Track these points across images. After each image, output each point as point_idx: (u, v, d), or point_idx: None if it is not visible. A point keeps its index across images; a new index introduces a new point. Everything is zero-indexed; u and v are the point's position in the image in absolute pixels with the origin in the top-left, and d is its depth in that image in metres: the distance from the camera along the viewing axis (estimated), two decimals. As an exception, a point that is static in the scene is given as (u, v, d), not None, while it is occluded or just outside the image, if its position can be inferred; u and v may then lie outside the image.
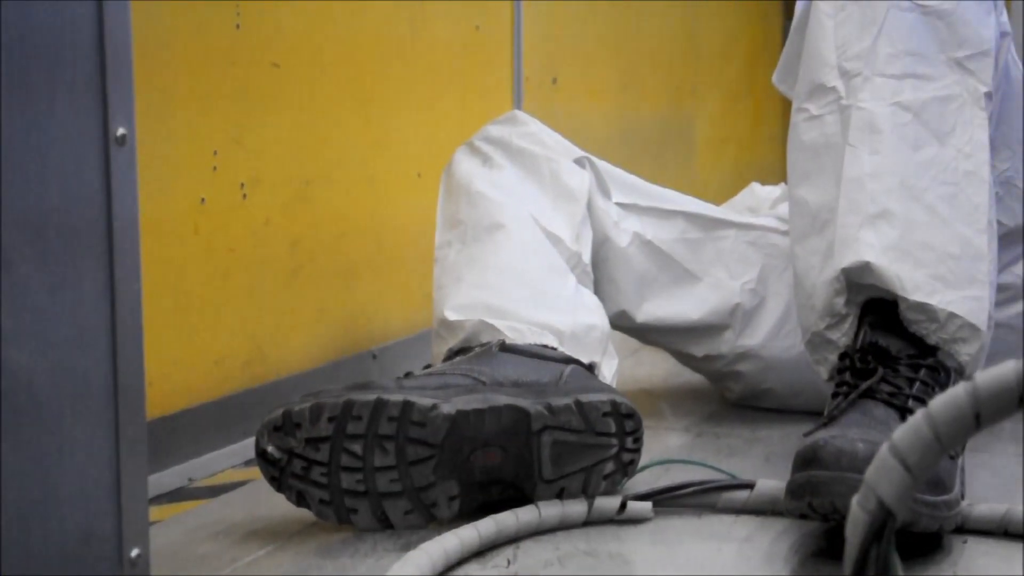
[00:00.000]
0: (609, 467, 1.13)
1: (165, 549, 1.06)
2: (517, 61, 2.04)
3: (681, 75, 2.82)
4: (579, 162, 1.43)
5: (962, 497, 1.06)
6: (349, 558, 1.04)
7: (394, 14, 1.70)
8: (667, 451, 1.33)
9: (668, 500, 1.14)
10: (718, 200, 1.64)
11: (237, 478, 1.30)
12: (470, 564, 1.03)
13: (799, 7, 1.31)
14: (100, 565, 0.78)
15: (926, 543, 1.04)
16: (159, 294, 1.29)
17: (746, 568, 1.03)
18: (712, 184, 2.87)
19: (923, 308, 1.12)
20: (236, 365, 1.41)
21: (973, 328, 1.13)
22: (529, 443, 1.11)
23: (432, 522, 1.11)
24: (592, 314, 1.30)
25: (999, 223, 1.28)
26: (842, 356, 1.14)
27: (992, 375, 0.59)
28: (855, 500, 0.63)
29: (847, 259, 1.15)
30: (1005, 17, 1.26)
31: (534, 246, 1.33)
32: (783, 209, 1.53)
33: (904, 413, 1.06)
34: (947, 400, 0.60)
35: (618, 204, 1.46)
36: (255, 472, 1.16)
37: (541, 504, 1.10)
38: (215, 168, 1.37)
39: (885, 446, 0.62)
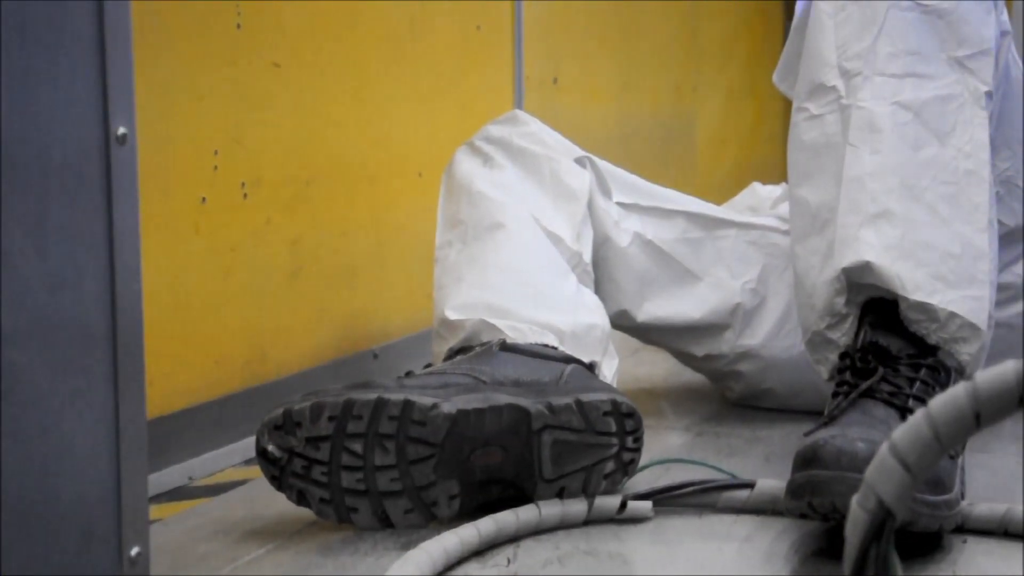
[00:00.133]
0: (609, 466, 1.13)
1: (165, 548, 1.06)
2: (518, 61, 2.04)
3: (682, 75, 2.82)
4: (580, 162, 1.44)
5: (962, 497, 1.06)
6: (349, 557, 1.05)
7: (394, 14, 1.70)
8: (667, 450, 1.33)
9: (668, 499, 1.14)
10: (719, 200, 1.64)
11: (237, 477, 1.30)
12: (470, 563, 1.03)
13: (799, 7, 1.31)
14: (100, 564, 0.78)
15: (926, 543, 1.04)
16: (159, 293, 1.29)
17: (746, 567, 1.03)
18: (713, 184, 2.87)
19: (923, 308, 1.12)
20: (236, 364, 1.41)
21: (973, 328, 1.13)
22: (529, 442, 1.11)
23: (432, 521, 1.11)
24: (593, 314, 1.30)
25: (999, 222, 1.28)
26: (842, 356, 1.14)
27: (992, 375, 0.59)
28: (855, 500, 0.63)
29: (847, 259, 1.15)
30: (1005, 16, 1.26)
31: (535, 246, 1.33)
32: (784, 209, 1.53)
33: (904, 413, 1.06)
34: (947, 400, 0.60)
35: (619, 204, 1.46)
36: (255, 471, 1.16)
37: (541, 503, 1.10)
38: (216, 168, 1.37)
39: (885, 446, 0.62)
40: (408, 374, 1.16)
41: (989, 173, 1.19)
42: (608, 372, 1.28)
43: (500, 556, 1.05)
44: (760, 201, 1.69)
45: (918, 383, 1.09)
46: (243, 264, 1.41)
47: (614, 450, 1.13)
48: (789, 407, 1.48)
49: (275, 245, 1.47)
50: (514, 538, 1.08)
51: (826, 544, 1.06)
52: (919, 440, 0.61)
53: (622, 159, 1.57)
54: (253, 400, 1.40)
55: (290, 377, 1.48)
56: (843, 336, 1.16)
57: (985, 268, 1.15)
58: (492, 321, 1.23)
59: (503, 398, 1.11)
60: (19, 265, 0.72)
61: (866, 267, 1.14)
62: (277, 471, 1.08)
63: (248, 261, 1.42)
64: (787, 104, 1.32)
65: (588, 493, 1.12)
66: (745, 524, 1.12)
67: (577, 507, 1.11)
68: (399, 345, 1.70)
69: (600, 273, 1.44)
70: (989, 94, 1.20)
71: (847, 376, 1.12)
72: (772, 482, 1.13)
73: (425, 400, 1.08)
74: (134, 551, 0.80)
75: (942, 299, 1.12)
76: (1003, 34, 1.25)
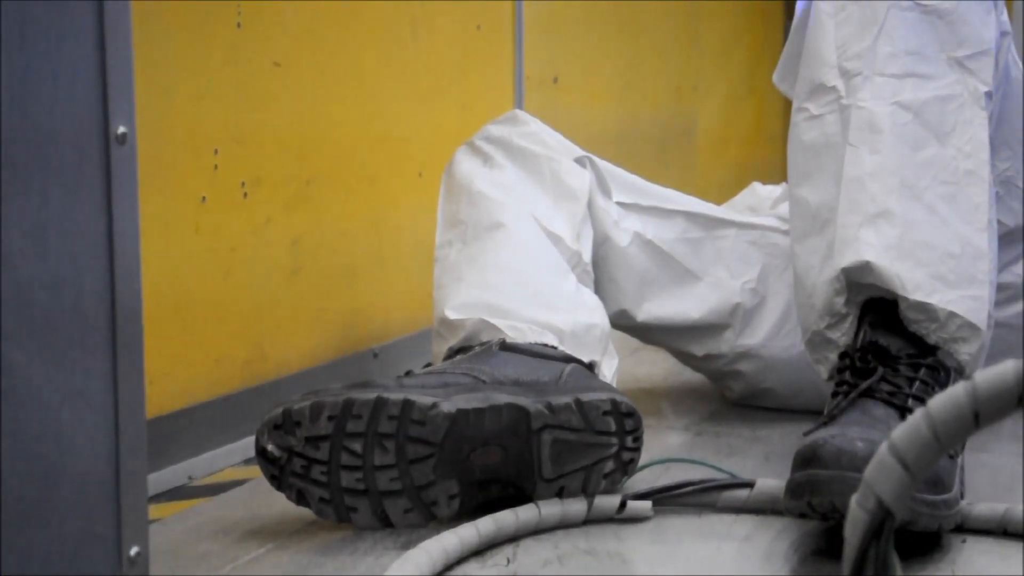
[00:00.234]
0: (609, 466, 1.13)
1: (165, 547, 1.06)
2: (518, 60, 2.04)
3: (682, 74, 2.82)
4: (580, 161, 1.44)
5: (961, 496, 1.06)
6: (349, 556, 1.05)
7: (394, 14, 1.70)
8: (667, 450, 1.33)
9: (668, 499, 1.14)
10: (719, 200, 1.64)
11: (237, 476, 1.30)
12: (470, 563, 1.03)
13: (799, 7, 1.31)
14: (99, 563, 0.78)
15: (925, 542, 1.04)
16: (159, 293, 1.29)
17: (746, 567, 1.03)
18: (713, 183, 2.87)
19: (923, 307, 1.12)
20: (236, 364, 1.41)
21: (973, 327, 1.13)
22: (529, 442, 1.11)
23: (432, 521, 1.11)
24: (592, 313, 1.30)
25: (999, 222, 1.28)
26: (842, 355, 1.15)
27: (991, 374, 0.59)
28: (854, 499, 0.63)
29: (847, 258, 1.15)
30: (1005, 16, 1.26)
31: (535, 245, 1.33)
32: (784, 209, 1.53)
33: (904, 412, 1.06)
34: (946, 399, 0.60)
35: (619, 203, 1.46)
36: (255, 471, 1.16)
37: (541, 503, 1.10)
38: (216, 167, 1.37)
39: (884, 445, 0.62)
40: (408, 373, 1.16)
41: (989, 173, 1.19)
42: (608, 372, 1.28)
43: (500, 556, 1.05)
44: (760, 201, 1.69)
45: (917, 383, 1.09)
46: (243, 263, 1.41)
47: (614, 449, 1.13)
48: (789, 407, 1.48)
49: (275, 244, 1.47)
50: (513, 538, 1.08)
51: (825, 543, 1.06)
52: (918, 440, 0.61)
53: (622, 159, 1.57)
54: (253, 399, 1.40)
55: (290, 376, 1.48)
56: (843, 336, 1.16)
57: (985, 268, 1.16)
58: (492, 321, 1.23)
59: (503, 397, 1.11)
60: (19, 265, 0.72)
61: (866, 267, 1.14)
62: (277, 471, 1.08)
63: (248, 260, 1.42)
64: (787, 104, 1.32)
65: (588, 492, 1.13)
66: (745, 523, 1.12)
67: (577, 507, 1.11)
68: (399, 344, 1.70)
69: (600, 273, 1.44)
70: (989, 94, 1.21)
71: (847, 376, 1.12)
72: (772, 481, 1.13)
73: (425, 399, 1.08)
74: (133, 551, 0.80)
75: (942, 299, 1.12)
76: (1003, 34, 1.25)
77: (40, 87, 0.73)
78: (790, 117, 1.28)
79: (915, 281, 1.13)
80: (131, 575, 0.80)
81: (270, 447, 1.07)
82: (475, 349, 1.20)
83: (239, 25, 1.40)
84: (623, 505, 1.12)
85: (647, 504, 1.13)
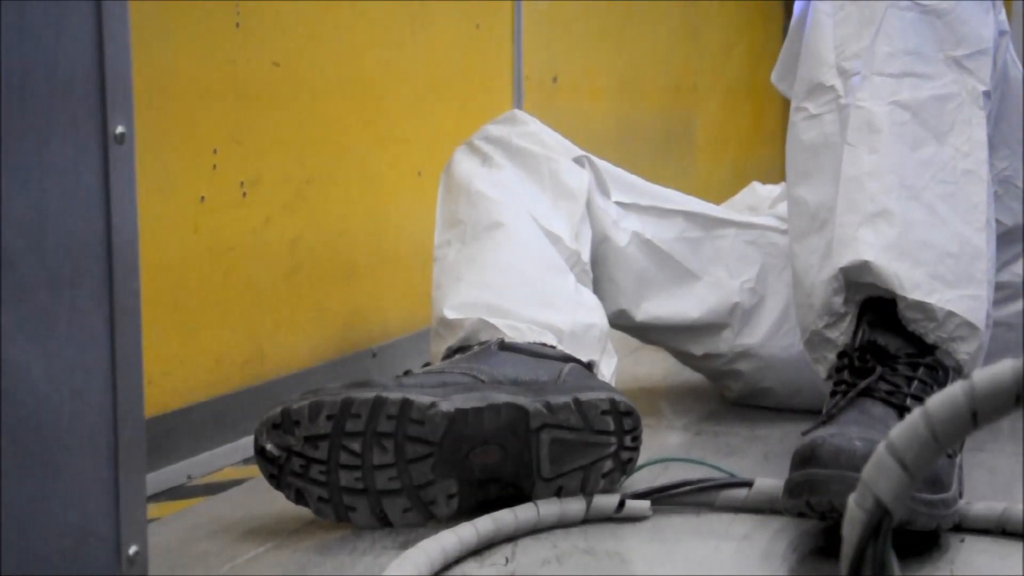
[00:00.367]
0: (607, 465, 1.13)
1: (163, 547, 1.06)
2: (517, 60, 2.04)
3: (682, 74, 2.82)
4: (579, 161, 1.44)
5: (960, 496, 1.06)
6: (347, 556, 1.05)
7: (394, 13, 1.70)
8: (666, 449, 1.33)
9: (666, 498, 1.14)
10: (718, 199, 1.65)
11: (236, 476, 1.31)
12: (468, 562, 1.03)
13: (798, 6, 1.31)
14: (98, 563, 0.78)
15: (923, 542, 1.04)
16: (158, 292, 1.29)
17: (744, 566, 1.03)
18: (712, 183, 2.87)
19: (922, 307, 1.12)
20: (235, 363, 1.41)
21: (971, 327, 1.13)
22: (528, 441, 1.11)
23: (431, 520, 1.11)
24: (591, 313, 1.30)
25: (998, 222, 1.28)
26: (841, 355, 1.15)
27: (989, 374, 0.59)
28: (852, 498, 0.63)
29: (846, 258, 1.15)
30: (1003, 16, 1.26)
31: (533, 245, 1.33)
32: (783, 208, 1.53)
33: (902, 412, 1.06)
34: (944, 399, 0.60)
35: (617, 203, 1.46)
36: (254, 470, 1.16)
37: (539, 502, 1.10)
38: (215, 167, 1.37)
39: (882, 445, 0.62)
40: (407, 373, 1.16)
41: (987, 172, 1.19)
42: (607, 371, 1.28)
43: (498, 555, 1.05)
44: (759, 200, 1.69)
45: (916, 382, 1.09)
46: (242, 263, 1.41)
47: (612, 449, 1.13)
48: (788, 406, 1.48)
49: (274, 244, 1.47)
50: (512, 537, 1.08)
51: (824, 543, 1.06)
52: (916, 439, 0.61)
53: (621, 159, 1.57)
54: (252, 399, 1.40)
55: (289, 376, 1.48)
56: (841, 335, 1.16)
57: (983, 267, 1.16)
58: (491, 320, 1.23)
59: (501, 397, 1.11)
60: (18, 264, 0.72)
61: (864, 266, 1.14)
62: (275, 470, 1.08)
63: (247, 260, 1.42)
64: (787, 104, 1.32)
65: (586, 492, 1.13)
66: (743, 523, 1.12)
67: (575, 506, 1.11)
68: (398, 344, 1.70)
69: (599, 272, 1.44)
70: (987, 94, 1.21)
71: (845, 375, 1.12)
72: (770, 481, 1.13)
73: (423, 399, 1.08)
74: (132, 550, 0.80)
75: (940, 298, 1.12)
76: (1001, 34, 1.25)
77: (39, 87, 0.73)
78: (789, 117, 1.28)
79: (914, 280, 1.13)
80: (130, 574, 0.80)
81: (269, 446, 1.07)
82: (474, 349, 1.20)
83: (238, 25, 1.40)
84: (622, 504, 1.12)
85: (646, 503, 1.13)
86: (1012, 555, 1.03)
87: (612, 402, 1.13)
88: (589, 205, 1.42)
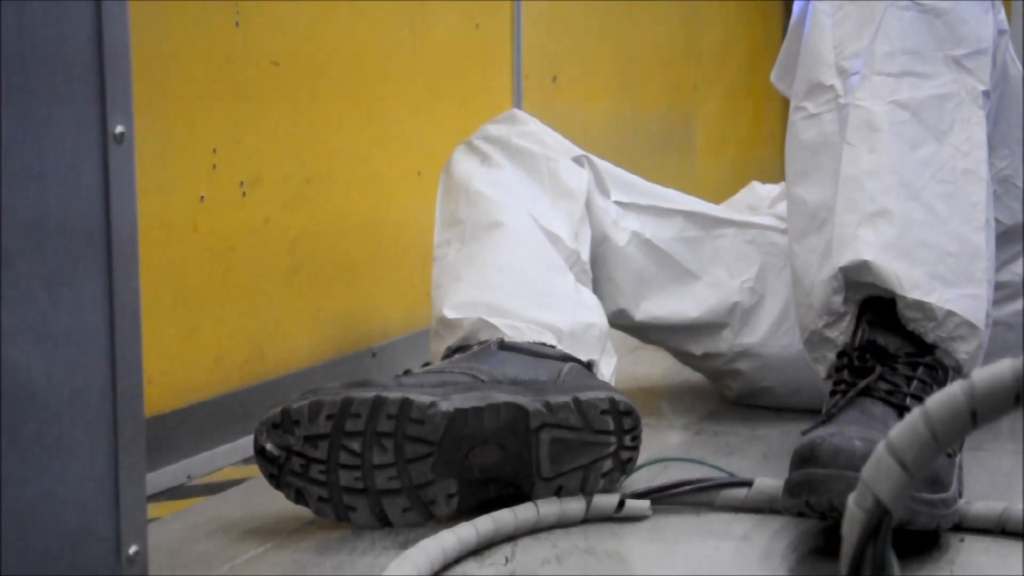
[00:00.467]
0: (607, 465, 1.13)
1: (163, 547, 1.06)
2: (517, 60, 2.04)
3: (681, 74, 2.82)
4: (578, 161, 1.44)
5: (960, 495, 1.06)
6: (347, 556, 1.05)
7: (394, 13, 1.70)
8: (665, 449, 1.33)
9: (666, 498, 1.14)
10: (718, 199, 1.65)
11: (236, 476, 1.31)
12: (468, 562, 1.03)
13: (797, 6, 1.31)
14: (98, 563, 0.78)
15: (923, 541, 1.04)
16: (158, 292, 1.29)
17: (744, 566, 1.03)
18: (712, 183, 2.87)
19: (921, 306, 1.12)
20: (235, 363, 1.41)
21: (971, 326, 1.13)
22: (527, 441, 1.11)
23: (430, 520, 1.11)
24: (591, 312, 1.30)
25: (997, 221, 1.28)
26: (840, 354, 1.15)
27: (988, 373, 0.59)
28: (852, 498, 0.63)
29: (845, 257, 1.15)
30: (1003, 15, 1.26)
31: (533, 245, 1.33)
32: (782, 208, 1.53)
33: (902, 411, 1.06)
34: (943, 398, 0.60)
35: (617, 203, 1.46)
36: (254, 470, 1.16)
37: (539, 502, 1.10)
38: (214, 166, 1.37)
39: (882, 444, 0.62)
40: (406, 373, 1.16)
41: (987, 172, 1.19)
42: (606, 371, 1.28)
43: (498, 555, 1.05)
44: (759, 200, 1.69)
45: (916, 381, 1.09)
46: (241, 263, 1.41)
47: (612, 448, 1.13)
48: (787, 405, 1.48)
49: (274, 244, 1.47)
50: (512, 537, 1.08)
51: (823, 543, 1.06)
52: (916, 438, 0.61)
53: (621, 158, 1.57)
54: (251, 399, 1.40)
55: (288, 376, 1.48)
56: (841, 335, 1.16)
57: (983, 267, 1.16)
58: (490, 320, 1.23)
59: (501, 396, 1.11)
60: (17, 264, 0.72)
61: (864, 266, 1.14)
62: (275, 470, 1.08)
63: (247, 260, 1.42)
64: (786, 103, 1.32)
65: (586, 491, 1.13)
66: (743, 522, 1.12)
67: (575, 505, 1.11)
68: (397, 344, 1.70)
69: (598, 272, 1.44)
70: (986, 93, 1.21)
71: (845, 375, 1.12)
72: (770, 480, 1.13)
73: (423, 398, 1.08)
74: (132, 550, 0.80)
75: (940, 298, 1.12)
76: (1000, 33, 1.25)
77: (38, 86, 0.73)
78: (788, 116, 1.28)
79: (913, 280, 1.13)
80: (130, 574, 0.80)
81: (269, 446, 1.07)
82: (473, 348, 1.20)
83: (237, 24, 1.40)
84: (621, 504, 1.12)
85: (645, 503, 1.13)
86: (1012, 555, 1.03)
87: (612, 401, 1.13)
88: (588, 205, 1.42)
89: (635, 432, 1.14)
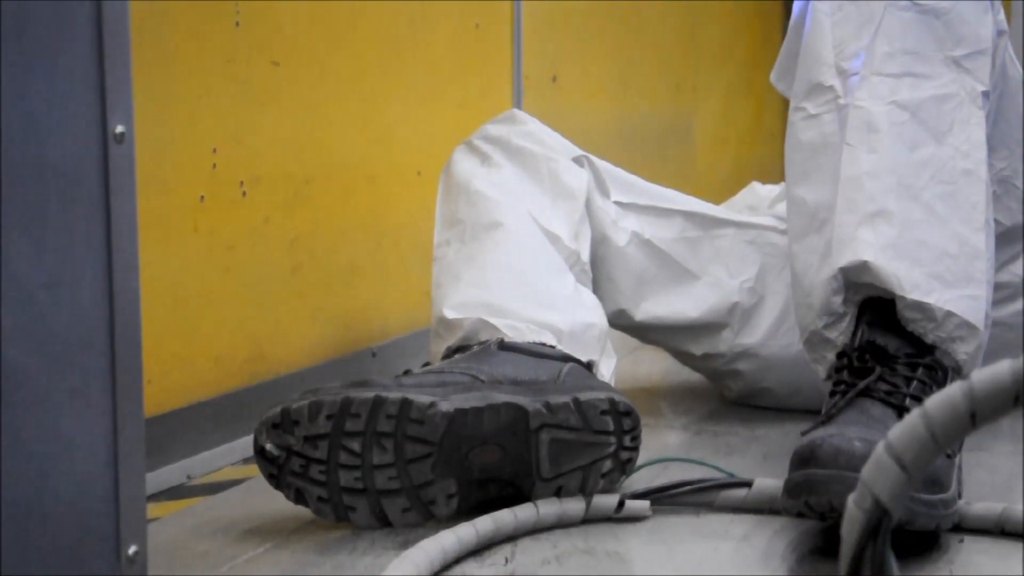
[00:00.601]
0: (607, 465, 1.13)
1: (163, 546, 1.06)
2: (517, 59, 2.04)
3: (681, 74, 2.82)
4: (578, 161, 1.44)
5: (959, 496, 1.06)
6: (347, 556, 1.05)
7: (394, 13, 1.70)
8: (665, 449, 1.33)
9: (666, 498, 1.14)
10: (718, 199, 1.65)
11: (235, 476, 1.31)
12: (468, 562, 1.03)
13: (796, 6, 1.31)
14: (98, 562, 0.78)
15: (922, 542, 1.04)
16: (158, 292, 1.29)
17: (743, 566, 1.03)
18: (712, 183, 2.87)
19: (921, 307, 1.12)
20: (235, 363, 1.41)
21: (970, 327, 1.13)
22: (527, 441, 1.11)
23: (430, 520, 1.11)
24: (591, 312, 1.30)
25: (996, 222, 1.28)
26: (840, 355, 1.15)
27: (988, 374, 0.59)
28: (851, 499, 0.63)
29: (845, 258, 1.15)
30: (1002, 16, 1.26)
31: (533, 245, 1.33)
32: (782, 208, 1.53)
33: (901, 412, 1.06)
34: (943, 399, 0.60)
35: (617, 203, 1.46)
36: (253, 470, 1.16)
37: (539, 502, 1.10)
38: (214, 166, 1.37)
39: (881, 445, 0.62)
40: (406, 373, 1.16)
41: (986, 172, 1.19)
42: (606, 371, 1.28)
43: (498, 555, 1.05)
44: (759, 200, 1.69)
45: (915, 382, 1.09)
46: (242, 263, 1.42)
47: (612, 449, 1.13)
48: (787, 406, 1.48)
49: (274, 243, 1.47)
50: (512, 537, 1.08)
51: (823, 543, 1.06)
52: (915, 439, 0.61)
53: (621, 158, 1.57)
54: (251, 399, 1.40)
55: (288, 376, 1.48)
56: (840, 335, 1.16)
57: (982, 267, 1.16)
58: (490, 320, 1.23)
59: (501, 397, 1.11)
60: (17, 264, 0.72)
61: (863, 266, 1.14)
62: (275, 470, 1.08)
63: (247, 260, 1.42)
64: (786, 103, 1.32)
65: (586, 492, 1.13)
66: (742, 523, 1.12)
67: (575, 506, 1.11)
68: (397, 344, 1.70)
69: (598, 272, 1.44)
70: (986, 93, 1.21)
71: (844, 375, 1.12)
72: (770, 481, 1.13)
73: (423, 399, 1.08)
74: (132, 550, 0.80)
75: (939, 298, 1.12)
76: (1000, 33, 1.25)
77: (38, 86, 0.74)
78: (788, 116, 1.28)
79: (913, 280, 1.13)
80: (129, 574, 0.80)
81: (268, 446, 1.07)
82: (473, 348, 1.20)
83: (237, 24, 1.40)
84: (621, 504, 1.12)
85: (645, 503, 1.13)
86: (1012, 555, 1.03)
87: (611, 402, 1.13)
88: (588, 205, 1.42)
89: (635, 432, 1.14)
